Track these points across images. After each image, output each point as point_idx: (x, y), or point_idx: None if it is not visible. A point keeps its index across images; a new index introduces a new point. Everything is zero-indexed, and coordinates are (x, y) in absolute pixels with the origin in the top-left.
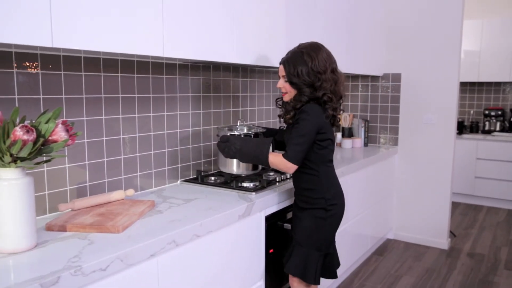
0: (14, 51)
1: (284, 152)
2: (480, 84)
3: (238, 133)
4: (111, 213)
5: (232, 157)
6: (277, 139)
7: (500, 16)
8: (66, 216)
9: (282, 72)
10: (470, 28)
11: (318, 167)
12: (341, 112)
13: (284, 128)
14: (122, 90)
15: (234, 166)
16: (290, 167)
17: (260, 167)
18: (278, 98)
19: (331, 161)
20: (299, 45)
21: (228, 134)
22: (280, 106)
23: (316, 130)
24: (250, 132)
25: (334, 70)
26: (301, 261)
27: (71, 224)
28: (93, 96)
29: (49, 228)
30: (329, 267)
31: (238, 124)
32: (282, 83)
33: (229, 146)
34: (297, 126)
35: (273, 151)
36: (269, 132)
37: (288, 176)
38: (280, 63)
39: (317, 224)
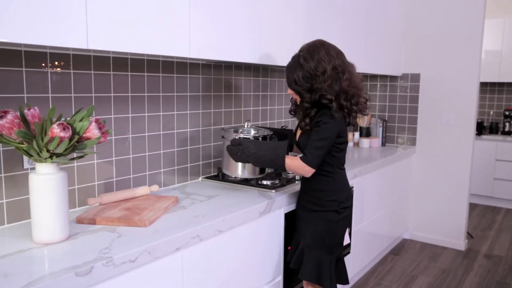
0: (49, 52)
1: (301, 155)
2: (501, 84)
3: (246, 136)
4: (137, 208)
5: (245, 161)
6: (289, 142)
7: None
8: (95, 210)
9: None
10: (491, 27)
11: (334, 169)
12: (364, 108)
13: (286, 128)
14: (148, 89)
15: (239, 170)
16: (308, 171)
17: (266, 170)
18: (290, 110)
19: (344, 163)
20: (301, 47)
21: (239, 137)
22: (291, 110)
23: (336, 133)
24: (258, 134)
25: (337, 66)
26: (315, 266)
27: (100, 217)
28: (120, 95)
29: (79, 221)
30: (341, 271)
31: (246, 125)
32: (290, 90)
33: (242, 149)
34: (317, 129)
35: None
36: (278, 135)
37: (298, 179)
38: None
39: (329, 227)
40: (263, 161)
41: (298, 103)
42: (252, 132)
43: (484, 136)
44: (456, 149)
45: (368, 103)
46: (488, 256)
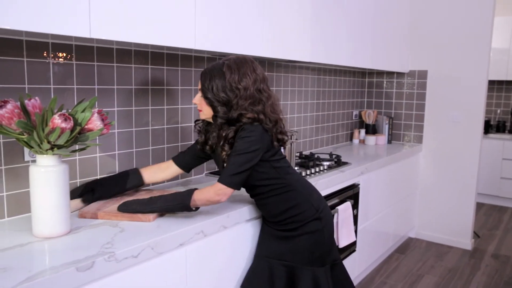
0: (51, 42)
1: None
2: (508, 82)
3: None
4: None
5: (143, 203)
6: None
7: None
8: (97, 204)
9: (199, 85)
10: (499, 25)
11: (286, 180)
12: (286, 138)
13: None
14: (152, 82)
15: None
16: (223, 194)
17: None
18: (197, 120)
19: (290, 166)
20: (226, 57)
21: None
22: (198, 131)
23: (263, 146)
24: None
25: (262, 90)
26: (311, 285)
27: (103, 212)
28: (124, 87)
29: (81, 215)
30: (343, 276)
31: None
32: (198, 98)
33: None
34: (236, 145)
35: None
36: (130, 181)
37: (322, 169)
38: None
39: (315, 239)
40: (165, 203)
41: (202, 117)
42: None
43: (491, 135)
44: (463, 147)
45: (288, 137)
46: (495, 256)
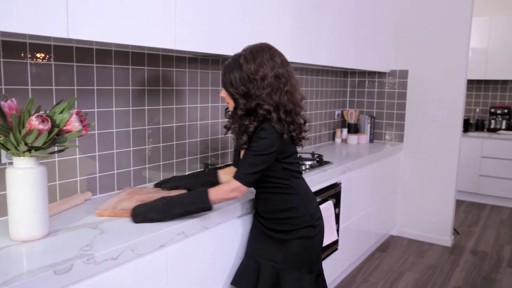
0: (28, 42)
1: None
2: (487, 82)
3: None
4: (151, 199)
5: (157, 210)
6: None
7: (508, 14)
8: (111, 202)
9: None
10: (477, 25)
11: (292, 182)
12: (302, 131)
13: (209, 168)
14: (133, 83)
15: None
16: (240, 190)
17: None
18: (227, 108)
19: (299, 171)
20: (244, 47)
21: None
22: (229, 117)
23: (277, 149)
24: None
25: (280, 75)
26: None
27: (122, 210)
28: (104, 88)
29: (100, 214)
30: (323, 286)
31: None
32: (224, 92)
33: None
34: (254, 145)
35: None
36: (205, 179)
37: (304, 168)
38: None
39: (306, 245)
40: (181, 205)
41: (230, 109)
42: None
43: (470, 133)
44: (443, 146)
45: (307, 125)
46: (474, 252)
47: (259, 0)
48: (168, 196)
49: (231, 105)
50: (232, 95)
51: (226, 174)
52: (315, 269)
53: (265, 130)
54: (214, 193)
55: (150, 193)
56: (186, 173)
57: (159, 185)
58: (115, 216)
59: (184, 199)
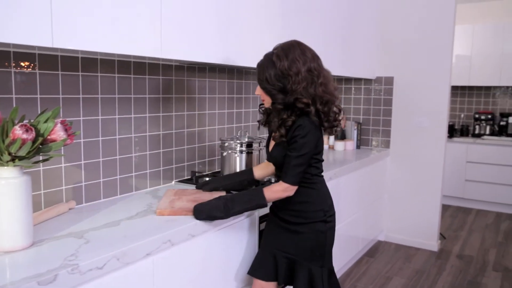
0: (13, 51)
1: (275, 180)
2: (471, 88)
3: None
4: (202, 199)
5: (220, 208)
6: (247, 179)
7: (490, 22)
8: (165, 203)
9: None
10: (461, 33)
11: (314, 179)
12: (337, 117)
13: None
14: (119, 91)
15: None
16: (290, 190)
17: None
18: (261, 104)
19: (322, 171)
20: (275, 46)
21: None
22: (262, 113)
23: (315, 145)
24: (249, 140)
25: (312, 69)
26: (308, 282)
27: (180, 208)
28: (89, 96)
29: (160, 213)
30: (336, 286)
31: (240, 135)
32: (259, 90)
33: (218, 197)
34: (295, 146)
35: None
36: (242, 178)
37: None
38: None
39: (318, 239)
40: (241, 203)
41: (266, 106)
42: (246, 139)
43: (455, 139)
44: (429, 151)
45: (341, 114)
46: (460, 256)
47: (245, 9)
48: (227, 195)
49: (267, 101)
50: (269, 92)
51: (260, 170)
52: (326, 264)
53: (302, 127)
54: (268, 193)
55: (194, 194)
56: (223, 175)
57: (200, 187)
58: (175, 215)
59: (243, 198)
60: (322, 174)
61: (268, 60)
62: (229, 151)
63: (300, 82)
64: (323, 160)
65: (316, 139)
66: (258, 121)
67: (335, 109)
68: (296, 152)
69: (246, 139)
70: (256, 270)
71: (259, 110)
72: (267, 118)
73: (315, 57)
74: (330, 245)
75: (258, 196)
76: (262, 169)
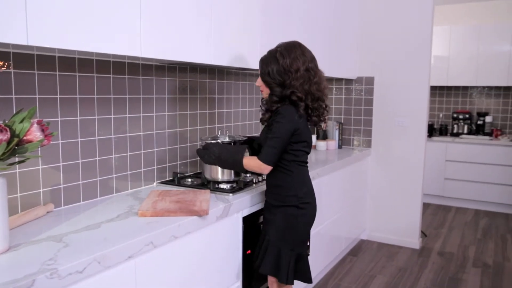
0: None
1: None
2: (449, 88)
3: (219, 141)
4: (185, 200)
5: (212, 163)
6: (255, 146)
7: (466, 23)
8: (148, 204)
9: (259, 70)
10: (439, 34)
11: (292, 166)
12: (324, 113)
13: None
14: (98, 91)
15: (219, 174)
16: (264, 168)
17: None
18: (263, 98)
19: (305, 162)
20: (278, 44)
21: (207, 142)
22: (263, 110)
23: (290, 132)
24: (230, 140)
25: (310, 68)
26: (274, 260)
27: (162, 209)
28: (67, 97)
29: (142, 214)
30: (304, 270)
31: (219, 135)
32: (260, 81)
33: (208, 153)
34: (272, 128)
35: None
36: (249, 141)
37: (265, 178)
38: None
39: (288, 222)
40: (225, 163)
41: (264, 96)
42: (227, 139)
43: (434, 138)
44: (409, 150)
45: (327, 110)
46: (441, 254)
47: (226, 9)
48: (216, 154)
49: (266, 92)
50: (269, 84)
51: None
52: (297, 249)
53: (281, 113)
54: (246, 163)
55: (178, 195)
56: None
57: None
58: (157, 216)
59: (227, 160)
60: (304, 164)
61: (272, 56)
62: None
63: (298, 79)
64: (307, 152)
65: (293, 128)
66: (261, 119)
67: (323, 105)
68: (271, 134)
69: (227, 138)
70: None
71: (260, 107)
72: (263, 112)
73: (313, 59)
74: (302, 232)
75: (236, 164)
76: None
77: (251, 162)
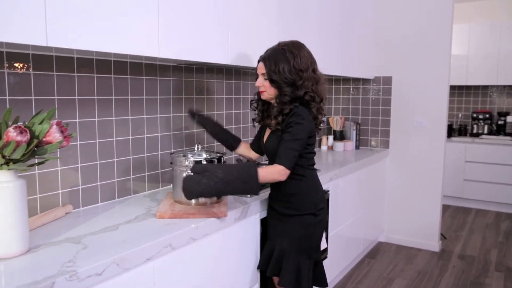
0: (6, 51)
1: (268, 163)
2: (468, 87)
3: (199, 160)
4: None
5: (211, 191)
6: (240, 151)
7: (486, 21)
8: (166, 206)
9: (261, 69)
10: (458, 32)
11: (305, 171)
12: (324, 115)
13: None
14: (115, 92)
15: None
16: (283, 174)
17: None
18: (252, 100)
19: (314, 164)
20: (279, 43)
21: (202, 162)
22: (254, 109)
23: (309, 134)
24: (211, 157)
25: (315, 70)
26: (294, 271)
27: (182, 211)
28: (86, 98)
29: (160, 216)
30: (321, 275)
31: (196, 148)
32: (261, 82)
33: (208, 176)
34: (291, 130)
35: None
36: (228, 138)
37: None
38: (259, 61)
39: (307, 231)
40: (233, 186)
41: (264, 98)
42: (204, 155)
43: (453, 138)
44: (428, 151)
45: (324, 112)
46: (462, 257)
47: (243, 9)
48: (219, 174)
49: (268, 93)
50: (277, 84)
51: (245, 148)
52: (314, 256)
53: (298, 114)
54: (263, 173)
55: None
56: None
57: (192, 115)
58: (175, 218)
59: (237, 181)
60: (314, 168)
61: (280, 54)
62: (178, 170)
63: (309, 79)
64: (315, 153)
65: (311, 128)
66: (253, 120)
67: (322, 105)
68: (291, 136)
69: (204, 155)
70: (260, 261)
71: (250, 107)
72: (262, 115)
73: (315, 60)
74: (318, 238)
75: (251, 180)
76: (245, 148)
77: (268, 170)
